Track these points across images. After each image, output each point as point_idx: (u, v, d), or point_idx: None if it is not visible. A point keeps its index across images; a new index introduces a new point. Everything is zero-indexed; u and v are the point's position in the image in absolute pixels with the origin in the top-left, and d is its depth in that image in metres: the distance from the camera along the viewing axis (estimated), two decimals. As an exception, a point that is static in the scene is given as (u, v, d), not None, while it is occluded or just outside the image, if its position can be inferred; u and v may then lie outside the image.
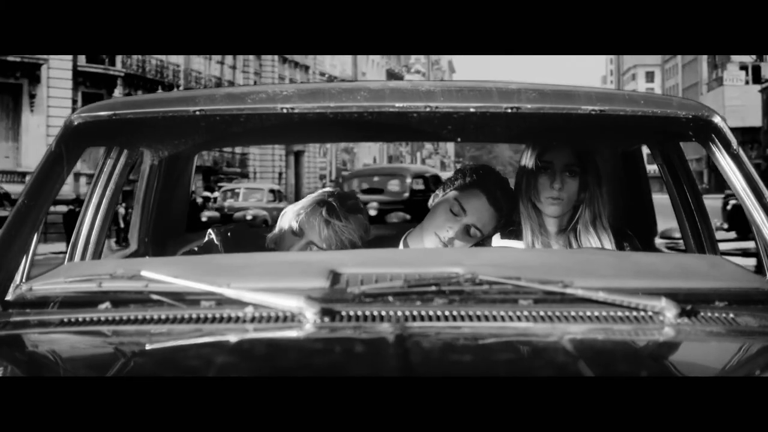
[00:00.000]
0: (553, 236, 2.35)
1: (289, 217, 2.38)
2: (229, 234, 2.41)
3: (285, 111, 1.73)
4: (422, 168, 25.55)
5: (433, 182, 18.51)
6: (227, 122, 1.87)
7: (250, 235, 2.55)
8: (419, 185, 18.95)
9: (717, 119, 1.81)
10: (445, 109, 1.73)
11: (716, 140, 1.78)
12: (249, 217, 21.13)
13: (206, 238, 2.41)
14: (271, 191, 25.52)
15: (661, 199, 2.73)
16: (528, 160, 2.35)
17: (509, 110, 1.72)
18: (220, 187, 28.48)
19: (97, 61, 29.23)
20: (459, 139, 2.17)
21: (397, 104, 1.74)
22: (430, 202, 2.47)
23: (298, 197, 19.24)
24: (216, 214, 22.20)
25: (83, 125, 1.81)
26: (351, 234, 2.34)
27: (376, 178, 19.98)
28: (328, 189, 2.50)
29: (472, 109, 1.73)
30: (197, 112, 1.75)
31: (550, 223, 2.35)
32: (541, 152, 2.32)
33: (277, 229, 2.41)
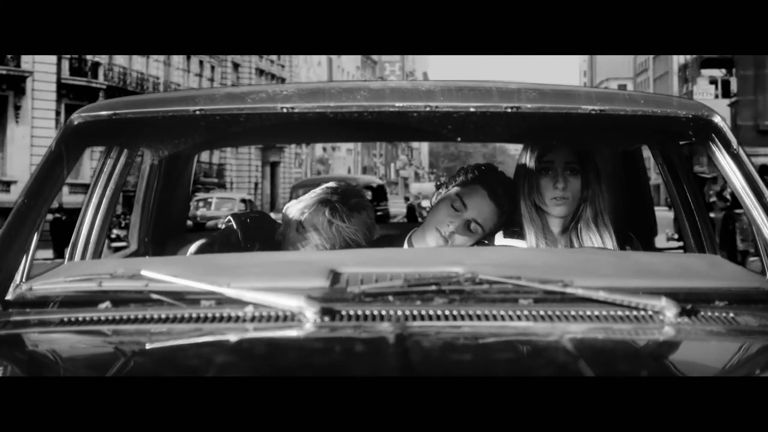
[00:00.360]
0: (556, 236, 2.35)
1: (292, 213, 2.38)
2: (248, 221, 2.42)
3: (285, 111, 1.73)
4: (369, 178, 26.47)
5: (379, 193, 18.94)
6: (227, 122, 1.87)
7: (267, 223, 2.56)
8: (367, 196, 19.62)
9: (717, 119, 1.81)
10: (445, 108, 1.73)
11: (716, 140, 1.78)
12: (221, 226, 21.33)
13: (225, 226, 2.43)
14: (243, 201, 25.96)
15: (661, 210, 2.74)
16: (528, 161, 2.35)
17: (509, 110, 1.72)
18: (195, 196, 28.76)
19: (80, 73, 30.29)
20: (459, 139, 2.17)
21: (397, 104, 1.74)
22: (433, 200, 2.47)
23: (273, 207, 19.49)
24: (189, 222, 22.51)
25: (83, 125, 1.81)
26: (354, 234, 2.34)
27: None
28: (331, 185, 2.48)
29: (472, 109, 1.73)
30: (197, 112, 1.75)
31: (554, 224, 2.35)
32: (541, 153, 2.32)
33: (282, 224, 2.42)
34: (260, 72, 46.01)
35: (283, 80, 48.53)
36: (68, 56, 29.39)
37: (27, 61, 27.38)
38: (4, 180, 26.84)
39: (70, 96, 29.46)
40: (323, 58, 60.41)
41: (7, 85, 27.25)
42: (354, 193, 2.45)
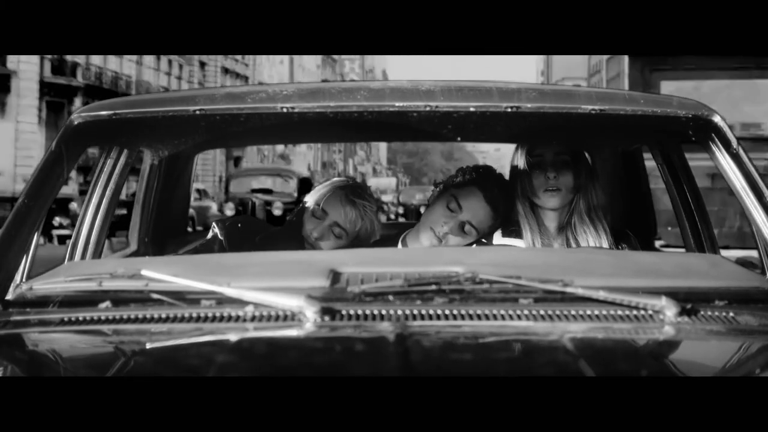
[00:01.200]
0: (552, 233, 2.36)
1: (309, 202, 2.40)
2: (231, 227, 2.42)
3: (285, 110, 1.73)
4: (306, 172, 26.39)
5: (306, 184, 19.69)
6: (227, 122, 1.87)
7: (255, 227, 2.56)
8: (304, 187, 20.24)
9: (717, 118, 1.81)
10: (445, 108, 1.73)
11: (716, 139, 1.78)
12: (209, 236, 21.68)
13: (210, 234, 2.42)
14: (197, 190, 26.17)
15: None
16: (518, 159, 2.37)
17: (509, 109, 1.72)
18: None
19: (61, 73, 32.20)
20: (459, 139, 2.17)
21: (397, 104, 1.74)
22: (429, 199, 2.48)
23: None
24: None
25: (83, 125, 1.81)
26: (373, 216, 2.38)
27: (263, 178, 20.59)
28: (340, 178, 2.54)
29: (472, 109, 1.73)
30: (197, 112, 1.75)
31: (550, 219, 2.36)
32: (531, 148, 2.34)
33: (295, 216, 2.43)
34: (225, 70, 47.95)
35: (246, 78, 50.72)
36: (50, 57, 31.21)
37: (12, 61, 29.49)
38: (-11, 172, 28.93)
39: (51, 94, 31.54)
40: (285, 57, 62.40)
41: (-7, 83, 29.29)
42: (364, 186, 2.50)
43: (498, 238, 2.36)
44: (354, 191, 2.39)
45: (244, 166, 36.39)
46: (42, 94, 31.13)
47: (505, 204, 2.38)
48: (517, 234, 2.34)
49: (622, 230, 2.43)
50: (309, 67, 70.43)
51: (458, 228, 2.32)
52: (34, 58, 30.06)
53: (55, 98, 31.66)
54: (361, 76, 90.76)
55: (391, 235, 2.57)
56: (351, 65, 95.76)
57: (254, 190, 19.40)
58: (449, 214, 2.33)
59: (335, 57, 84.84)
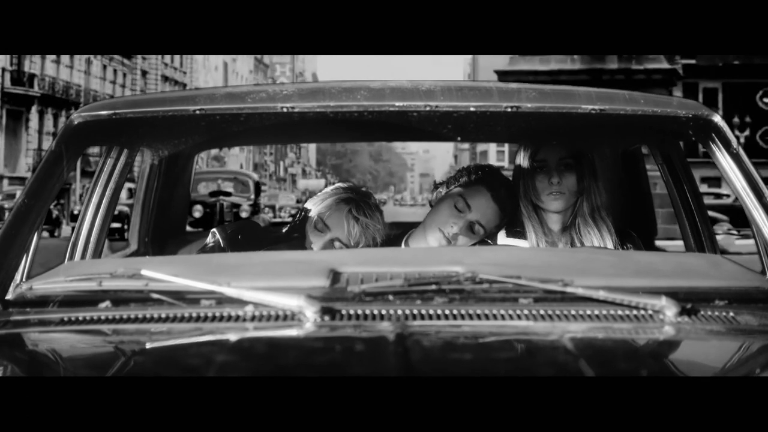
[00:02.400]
0: (556, 234, 2.36)
1: (312, 212, 2.38)
2: (234, 234, 2.39)
3: (285, 110, 1.73)
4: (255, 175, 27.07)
5: (258, 188, 20.71)
6: (227, 121, 1.87)
7: (256, 232, 2.54)
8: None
9: (717, 118, 1.81)
10: (445, 108, 1.73)
11: (716, 139, 1.78)
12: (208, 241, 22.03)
13: (210, 241, 2.39)
14: (129, 189, 26.36)
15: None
16: (522, 161, 2.37)
17: (509, 109, 1.72)
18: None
19: (19, 83, 36.57)
20: (459, 138, 2.17)
21: (397, 103, 1.73)
22: (432, 199, 2.47)
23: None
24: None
25: (83, 125, 1.81)
26: (376, 232, 2.35)
27: (220, 181, 20.91)
28: (342, 185, 2.47)
29: (472, 108, 1.73)
30: (197, 112, 1.75)
31: (553, 221, 2.36)
32: (534, 151, 2.34)
33: (298, 221, 2.41)
34: (165, 78, 52.32)
35: (184, 85, 53.87)
36: (10, 68, 35.91)
37: None
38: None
39: (10, 102, 36.03)
40: (220, 63, 68.57)
41: (-40, 93, 34.71)
42: (368, 194, 2.46)
43: (502, 238, 2.36)
44: (358, 207, 2.33)
45: (199, 171, 36.81)
46: (3, 103, 35.46)
47: (510, 202, 2.37)
48: (522, 235, 2.34)
49: (626, 230, 2.43)
50: (242, 72, 75.21)
51: (467, 228, 2.32)
52: (-2, 70, 33.53)
53: (14, 107, 36.13)
54: (291, 79, 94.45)
55: (394, 236, 2.56)
56: (282, 69, 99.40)
57: (213, 193, 19.63)
58: (457, 214, 2.32)
59: (267, 62, 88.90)
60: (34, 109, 37.58)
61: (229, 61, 70.65)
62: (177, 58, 55.89)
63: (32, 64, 37.58)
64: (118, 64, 46.93)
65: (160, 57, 51.33)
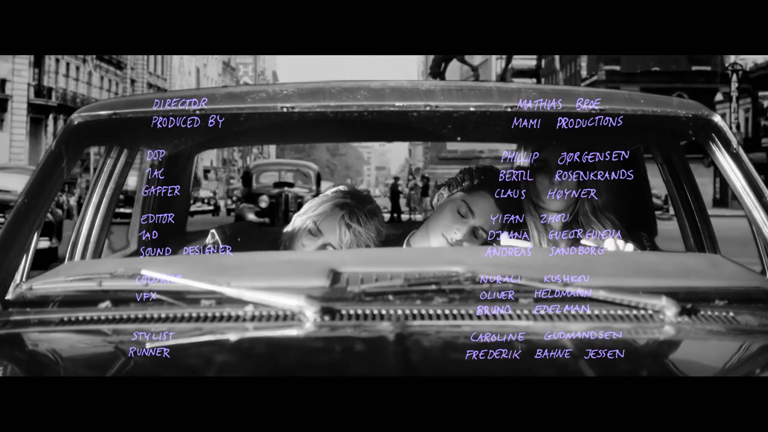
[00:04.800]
0: (558, 234, 2.36)
1: (305, 217, 2.36)
2: (233, 235, 2.38)
3: (285, 110, 1.73)
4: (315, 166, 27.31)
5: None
6: (227, 121, 1.87)
7: (255, 233, 2.53)
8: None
9: (717, 118, 1.81)
10: (445, 108, 1.73)
11: (716, 139, 1.78)
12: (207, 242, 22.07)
13: (208, 241, 2.38)
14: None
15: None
16: (522, 162, 2.36)
17: (509, 109, 1.72)
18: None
19: (40, 95, 43.80)
20: (459, 138, 2.17)
21: (397, 103, 1.73)
22: (435, 202, 2.46)
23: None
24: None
25: (84, 125, 1.81)
26: (369, 240, 2.33)
27: (283, 172, 20.93)
28: (342, 188, 2.46)
29: (472, 108, 1.73)
30: (197, 112, 1.75)
31: (555, 221, 2.36)
32: (534, 153, 2.34)
33: (290, 227, 2.39)
34: (150, 85, 59.24)
35: (165, 90, 58.07)
36: (34, 83, 42.98)
37: (9, 88, 41.34)
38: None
39: (33, 111, 43.57)
40: (193, 69, 77.38)
41: (-3, 105, 41.70)
42: (367, 198, 2.43)
43: (505, 239, 2.36)
44: (351, 214, 2.30)
45: (261, 161, 36.61)
46: (28, 112, 42.89)
47: (513, 206, 2.37)
48: (523, 235, 2.34)
49: (635, 232, 2.43)
50: (212, 75, 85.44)
51: (470, 234, 2.31)
52: (25, 85, 41.82)
53: (36, 115, 43.79)
54: (254, 79, 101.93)
55: (394, 236, 2.55)
56: (245, 69, 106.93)
57: (277, 184, 19.61)
58: (461, 220, 2.31)
59: (232, 65, 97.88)
60: (51, 116, 44.86)
61: (201, 67, 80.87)
62: (159, 66, 63.69)
63: (49, 78, 45.02)
64: (112, 75, 55.15)
65: (145, 66, 59.26)
